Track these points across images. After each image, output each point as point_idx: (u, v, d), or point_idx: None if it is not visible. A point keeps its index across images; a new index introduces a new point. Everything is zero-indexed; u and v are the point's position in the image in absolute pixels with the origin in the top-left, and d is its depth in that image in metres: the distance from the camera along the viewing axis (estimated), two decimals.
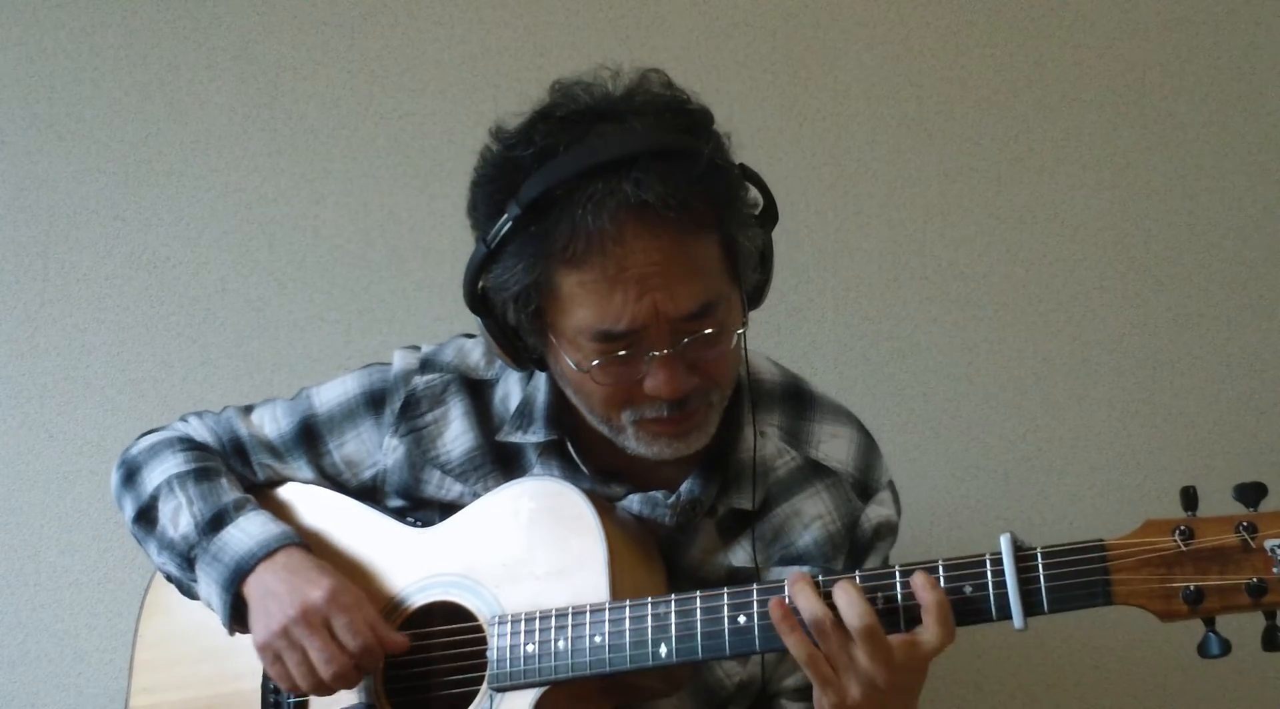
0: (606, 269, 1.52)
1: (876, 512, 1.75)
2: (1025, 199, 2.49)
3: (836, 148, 2.50)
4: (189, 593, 1.79)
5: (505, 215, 1.55)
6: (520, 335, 1.63)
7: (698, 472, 1.71)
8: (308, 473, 1.85)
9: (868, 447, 1.79)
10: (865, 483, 1.76)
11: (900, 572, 1.49)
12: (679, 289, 1.53)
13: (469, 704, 1.67)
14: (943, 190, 2.49)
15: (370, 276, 2.52)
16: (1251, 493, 1.40)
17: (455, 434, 1.79)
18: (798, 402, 1.79)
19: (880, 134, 2.50)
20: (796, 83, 2.52)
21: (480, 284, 1.62)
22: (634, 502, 1.71)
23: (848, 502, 1.74)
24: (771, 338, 2.46)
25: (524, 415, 1.75)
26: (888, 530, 1.76)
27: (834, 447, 1.77)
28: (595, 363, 1.56)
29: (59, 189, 2.55)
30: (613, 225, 1.50)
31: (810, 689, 1.69)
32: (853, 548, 1.73)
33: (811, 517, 1.73)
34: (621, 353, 1.56)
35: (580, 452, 1.73)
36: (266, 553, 1.71)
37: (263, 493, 1.86)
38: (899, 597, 1.48)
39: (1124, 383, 2.45)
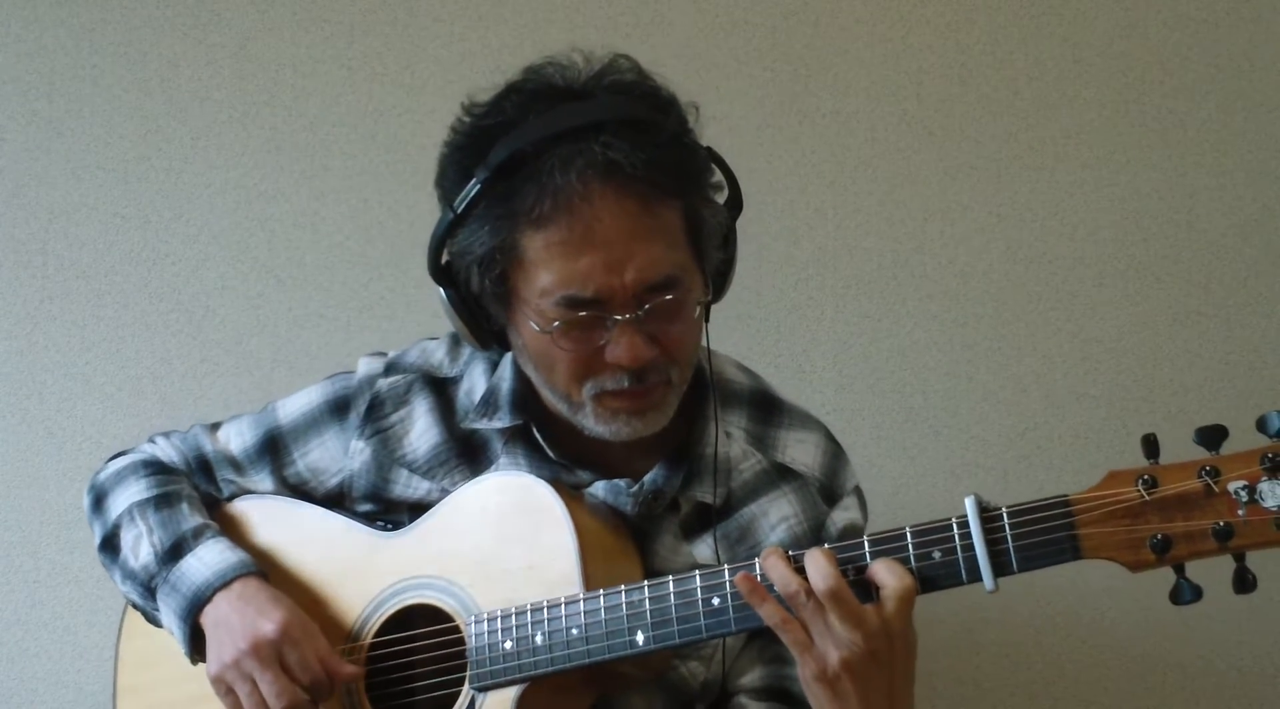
0: (574, 229, 1.53)
1: (842, 516, 1.75)
2: (1025, 197, 2.49)
3: (836, 145, 2.50)
4: (153, 621, 1.80)
5: (473, 180, 1.56)
6: (482, 305, 1.64)
7: (662, 463, 1.71)
8: (268, 485, 1.85)
9: (834, 453, 1.79)
10: (831, 488, 1.76)
11: (870, 543, 1.49)
12: (645, 255, 1.54)
13: (452, 705, 1.67)
14: (943, 188, 2.49)
15: (370, 274, 2.52)
16: (1212, 436, 1.39)
17: (420, 432, 1.79)
18: (765, 407, 1.80)
19: (880, 132, 2.51)
20: (796, 80, 2.52)
21: (444, 254, 1.63)
22: (599, 488, 1.71)
23: (814, 505, 1.74)
24: (771, 336, 2.47)
25: (489, 403, 1.75)
26: (853, 534, 1.73)
27: (800, 451, 1.76)
28: (556, 324, 1.57)
29: (58, 186, 2.55)
30: (580, 183, 1.51)
31: (769, 689, 1.71)
32: None
33: (777, 519, 1.73)
34: (583, 313, 1.56)
35: (546, 438, 1.73)
36: (223, 583, 1.70)
37: (232, 509, 1.86)
38: (869, 567, 1.48)
39: (1123, 381, 2.45)
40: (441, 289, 1.65)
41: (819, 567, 1.46)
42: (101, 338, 2.53)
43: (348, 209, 2.54)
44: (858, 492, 1.79)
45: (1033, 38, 2.51)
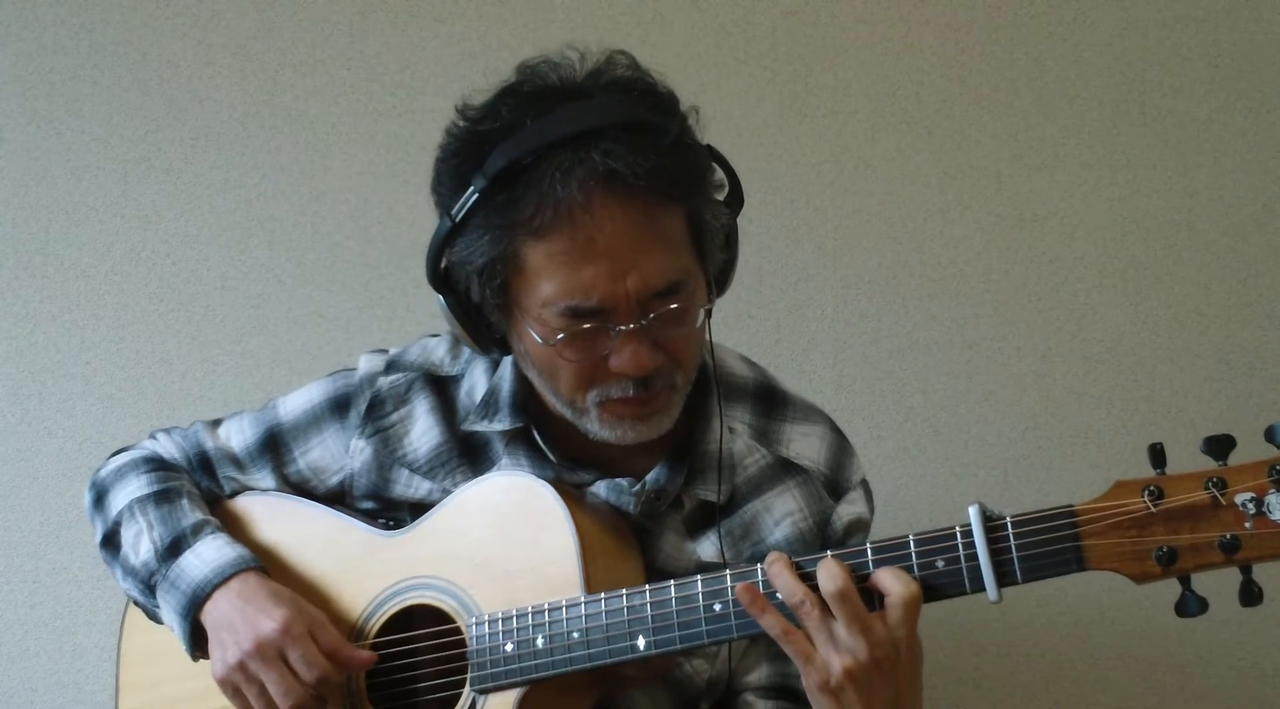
0: (575, 239, 1.51)
1: (848, 510, 1.74)
2: (1025, 197, 2.49)
3: (836, 145, 2.50)
4: (154, 618, 1.79)
5: (471, 188, 1.54)
6: (483, 312, 1.62)
7: (664, 461, 1.70)
8: (269, 482, 1.84)
9: (840, 445, 1.78)
10: (836, 481, 1.75)
11: (873, 551, 1.48)
12: (648, 263, 1.53)
13: (454, 706, 1.66)
14: (942, 188, 2.49)
15: (369, 274, 2.52)
16: (1220, 446, 1.38)
17: (421, 431, 1.78)
18: (769, 401, 1.78)
19: (880, 132, 2.50)
20: (796, 80, 2.52)
21: (443, 261, 1.61)
22: (600, 488, 1.70)
23: (819, 500, 1.73)
24: (771, 335, 2.47)
25: (489, 404, 1.74)
26: (859, 527, 1.75)
27: (805, 445, 1.75)
28: (561, 336, 1.55)
29: (58, 186, 2.55)
30: (581, 194, 1.49)
31: (775, 687, 1.70)
32: (824, 546, 1.71)
33: (782, 514, 1.72)
34: (587, 326, 1.55)
35: (546, 439, 1.72)
36: (221, 580, 1.70)
37: (233, 506, 1.85)
38: (873, 575, 1.47)
39: (1123, 381, 2.45)
40: (441, 296, 1.64)
41: (827, 569, 1.45)
42: (101, 338, 2.53)
43: (348, 209, 2.54)
44: (864, 484, 1.78)
45: (1033, 38, 2.51)
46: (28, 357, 2.53)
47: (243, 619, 1.66)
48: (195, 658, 1.73)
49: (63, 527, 2.48)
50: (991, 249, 2.48)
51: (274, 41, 2.56)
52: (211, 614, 1.69)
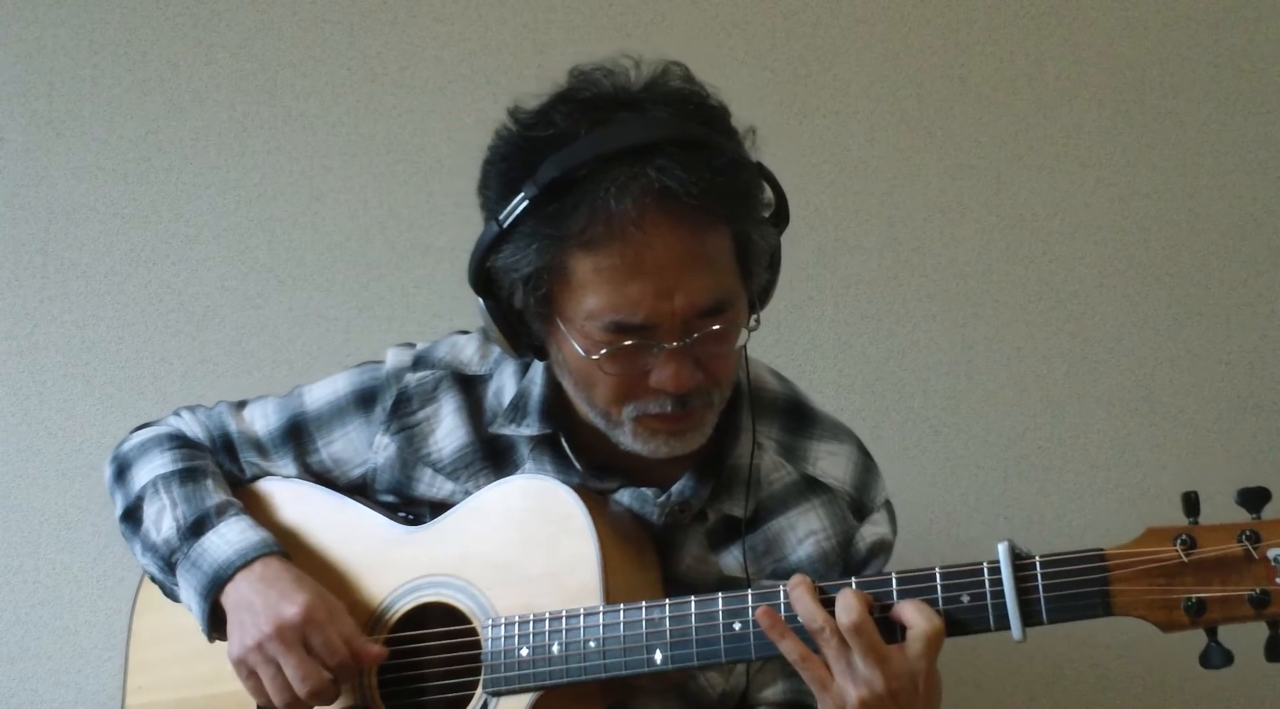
0: (625, 255, 1.50)
1: (871, 531, 1.73)
2: (1025, 197, 2.49)
3: (836, 146, 2.50)
4: (171, 595, 1.79)
5: (521, 195, 1.52)
6: (524, 320, 1.61)
7: (691, 473, 1.69)
8: (290, 470, 1.84)
9: (866, 466, 1.77)
10: (861, 502, 1.74)
11: (897, 581, 1.47)
12: (695, 283, 1.52)
13: (465, 707, 1.66)
14: (942, 188, 2.49)
15: (369, 274, 2.52)
16: (1255, 498, 1.37)
17: (447, 431, 1.77)
18: (798, 417, 1.78)
19: (880, 132, 2.50)
20: (796, 80, 2.52)
21: (488, 265, 1.59)
22: (624, 496, 1.70)
23: (843, 519, 1.72)
24: (771, 335, 2.46)
25: (518, 408, 1.73)
26: (882, 549, 1.74)
27: (831, 464, 1.75)
28: (604, 351, 1.55)
29: (58, 186, 2.55)
30: (635, 210, 1.48)
31: (790, 703, 1.69)
32: (846, 566, 1.71)
33: (805, 532, 1.71)
34: (629, 343, 1.54)
35: (573, 447, 1.71)
36: (244, 562, 1.69)
37: (255, 489, 1.85)
38: (896, 606, 1.47)
39: (1123, 381, 2.45)
40: (480, 299, 1.62)
41: (845, 601, 1.45)
42: (101, 338, 2.52)
43: (348, 209, 2.54)
44: (887, 506, 1.77)
45: (1033, 38, 2.51)
46: (28, 357, 2.52)
47: (264, 602, 1.66)
48: (211, 639, 1.73)
49: (63, 527, 2.47)
50: (991, 249, 2.48)
51: (274, 41, 2.56)
52: (232, 595, 1.69)
